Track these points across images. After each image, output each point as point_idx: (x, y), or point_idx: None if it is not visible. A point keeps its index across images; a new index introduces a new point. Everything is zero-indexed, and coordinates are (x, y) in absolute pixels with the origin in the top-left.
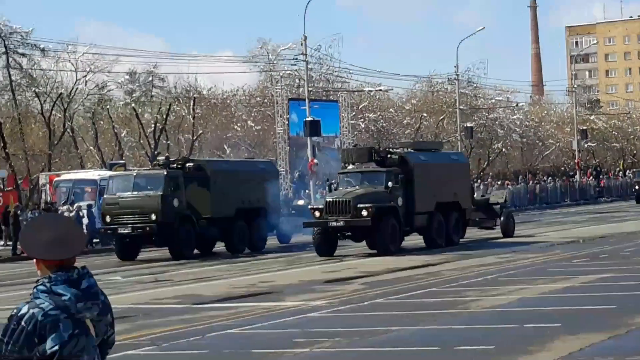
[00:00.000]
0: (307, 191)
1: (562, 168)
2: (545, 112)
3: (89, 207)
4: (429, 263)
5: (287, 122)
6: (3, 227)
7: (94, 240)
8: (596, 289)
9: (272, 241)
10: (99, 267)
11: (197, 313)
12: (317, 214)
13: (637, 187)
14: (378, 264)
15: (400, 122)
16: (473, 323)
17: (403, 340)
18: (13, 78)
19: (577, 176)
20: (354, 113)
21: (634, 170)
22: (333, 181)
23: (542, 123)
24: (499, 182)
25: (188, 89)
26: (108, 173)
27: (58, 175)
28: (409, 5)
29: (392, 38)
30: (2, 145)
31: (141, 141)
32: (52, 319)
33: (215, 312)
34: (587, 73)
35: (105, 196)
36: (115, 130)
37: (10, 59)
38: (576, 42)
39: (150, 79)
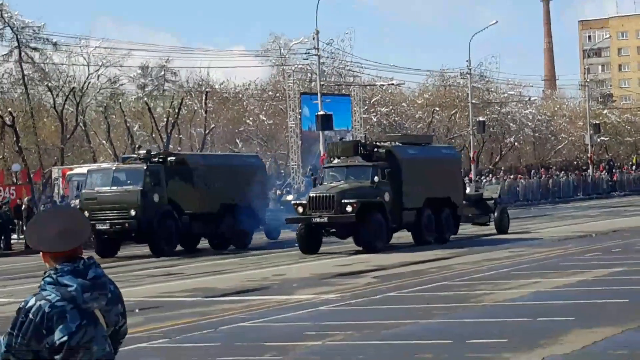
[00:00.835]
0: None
1: (575, 162)
2: (558, 106)
3: None
4: (441, 257)
5: (299, 117)
6: (16, 221)
7: None
8: (609, 282)
9: (260, 237)
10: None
11: (209, 306)
12: (300, 209)
13: None
14: (390, 258)
15: (412, 117)
16: (486, 317)
17: (415, 333)
18: (25, 72)
19: (589, 170)
20: (366, 107)
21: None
22: (317, 175)
23: (555, 117)
24: (511, 177)
25: (200, 83)
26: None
27: (71, 169)
28: None
29: (404, 32)
30: (15, 139)
31: (153, 135)
32: (58, 310)
33: (227, 305)
34: (599, 67)
35: (83, 191)
36: (128, 124)
37: (23, 53)
38: (589, 37)
39: (163, 73)
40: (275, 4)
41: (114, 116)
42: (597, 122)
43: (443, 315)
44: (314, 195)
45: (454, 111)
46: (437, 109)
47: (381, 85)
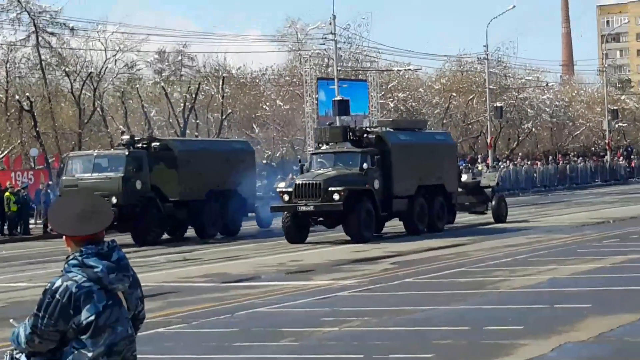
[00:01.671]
0: None
1: (593, 148)
2: (576, 92)
3: None
4: (458, 243)
5: (315, 102)
6: (34, 206)
7: None
8: (626, 269)
9: (252, 225)
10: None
11: (226, 292)
12: (285, 197)
13: None
14: (407, 243)
15: (429, 102)
16: (502, 303)
17: (432, 319)
18: (43, 57)
19: (607, 156)
20: (382, 93)
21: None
22: (304, 162)
23: (573, 103)
24: (529, 162)
25: (217, 68)
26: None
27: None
28: None
29: (422, 17)
30: (33, 124)
31: (170, 120)
32: (86, 290)
33: (244, 291)
34: (618, 53)
35: (63, 177)
36: (145, 110)
37: (40, 38)
38: (607, 22)
39: (180, 58)
40: None
41: (131, 101)
42: (615, 107)
43: (460, 301)
44: (300, 182)
45: (471, 96)
46: (454, 94)
47: (398, 70)
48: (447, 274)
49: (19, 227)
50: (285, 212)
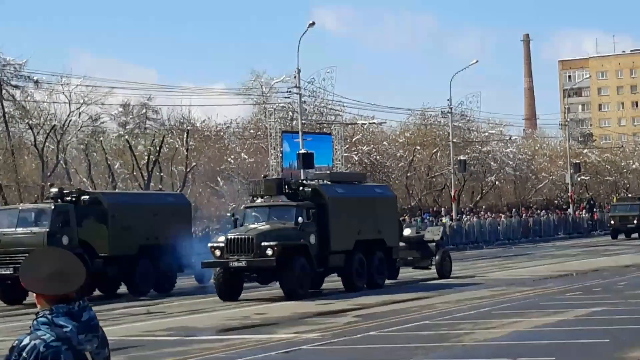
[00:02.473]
0: None
1: (556, 201)
2: (539, 145)
3: None
4: (423, 296)
5: (280, 155)
6: None
7: None
8: (590, 322)
9: (189, 282)
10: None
11: (189, 345)
12: (217, 253)
13: (612, 222)
14: (372, 297)
15: (393, 155)
16: (467, 356)
17: None
18: (6, 110)
19: (570, 209)
20: (347, 146)
21: (610, 204)
22: (237, 216)
23: (535, 156)
24: (492, 215)
25: (181, 121)
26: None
27: None
28: (403, 37)
29: (386, 70)
30: None
31: (134, 173)
32: (53, 350)
33: (207, 345)
34: (580, 107)
35: None
36: (109, 162)
37: (4, 91)
38: (569, 76)
39: (144, 111)
40: (256, 43)
41: (95, 154)
42: (578, 161)
43: (423, 355)
44: (232, 237)
45: (435, 150)
46: (418, 147)
47: (362, 123)
48: (411, 327)
49: None
50: (217, 268)
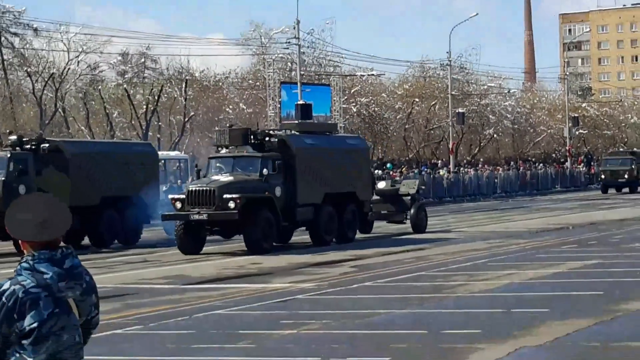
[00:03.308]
0: None
1: (553, 155)
2: (537, 99)
3: None
4: (419, 247)
5: (279, 105)
6: None
7: None
8: (584, 275)
9: (155, 233)
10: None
11: (184, 294)
12: (178, 205)
13: (602, 177)
14: (369, 248)
15: (392, 107)
16: (460, 307)
17: (390, 323)
18: (5, 57)
19: (568, 163)
20: (345, 97)
21: (600, 158)
22: (200, 167)
23: (534, 110)
24: (490, 168)
25: (180, 70)
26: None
27: None
28: None
29: (386, 22)
30: None
31: (132, 122)
32: (32, 297)
33: (203, 293)
34: (579, 61)
35: None
36: (107, 111)
37: (2, 38)
38: (569, 30)
39: (143, 60)
40: None
41: (93, 102)
42: (576, 115)
43: (418, 305)
44: (193, 189)
45: (433, 102)
46: (417, 99)
47: (361, 75)
48: (406, 278)
49: None
50: (178, 221)
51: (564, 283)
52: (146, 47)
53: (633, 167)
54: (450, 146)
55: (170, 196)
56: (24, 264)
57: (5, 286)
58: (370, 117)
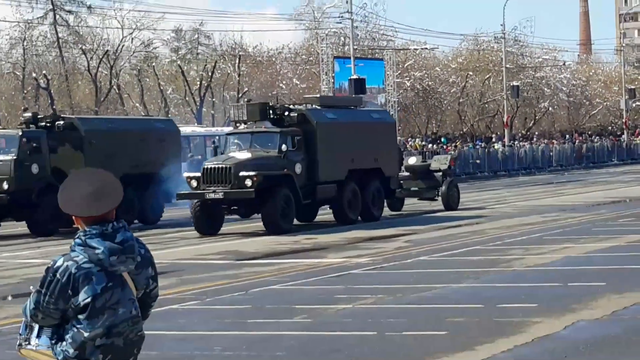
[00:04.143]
0: None
1: (610, 128)
2: (593, 71)
3: None
4: (473, 222)
5: (332, 80)
6: None
7: None
8: None
9: (182, 212)
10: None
11: (240, 269)
12: (193, 183)
13: None
14: (423, 221)
15: (446, 81)
16: (517, 281)
17: (446, 297)
18: (60, 35)
19: (624, 136)
20: (399, 71)
21: None
22: (217, 143)
23: (590, 82)
24: (545, 141)
25: (233, 46)
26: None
27: None
28: None
29: None
30: (49, 102)
31: (187, 98)
32: (85, 272)
33: (258, 268)
34: (636, 32)
35: None
36: (161, 88)
37: (57, 16)
38: (625, 1)
39: (196, 36)
40: None
41: (147, 79)
42: (633, 87)
43: (474, 279)
44: (209, 166)
45: (487, 75)
46: (471, 73)
47: (415, 49)
48: (462, 252)
49: None
50: (194, 201)
51: (621, 257)
52: (199, 23)
53: None
54: (505, 120)
55: (185, 174)
56: (77, 240)
57: (59, 263)
58: (424, 91)
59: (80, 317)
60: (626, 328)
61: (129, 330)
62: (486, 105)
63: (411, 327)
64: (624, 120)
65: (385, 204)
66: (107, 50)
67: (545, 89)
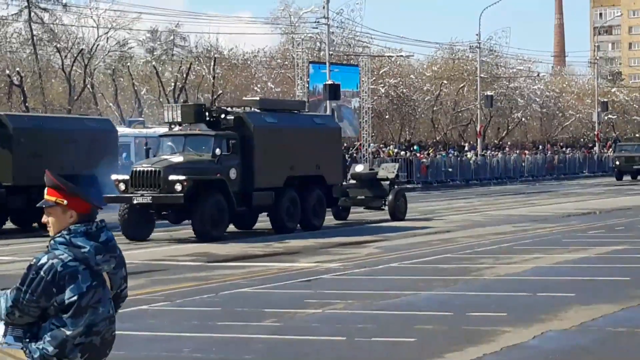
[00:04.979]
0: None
1: (582, 140)
2: (567, 83)
3: None
4: (445, 229)
5: (307, 85)
6: None
7: None
8: (611, 260)
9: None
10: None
11: (211, 271)
12: (121, 186)
13: (617, 163)
14: (393, 228)
15: (420, 89)
16: (486, 290)
17: (416, 304)
18: (34, 32)
19: (596, 148)
20: (374, 78)
21: (615, 143)
22: (149, 146)
23: (563, 94)
24: (517, 152)
25: (209, 48)
26: (127, 130)
27: None
28: None
29: (415, 3)
30: (22, 99)
31: (161, 99)
32: (71, 270)
33: (229, 271)
34: (610, 45)
35: None
36: (135, 88)
37: (32, 13)
38: (600, 14)
39: (172, 37)
40: None
41: (122, 79)
42: (605, 100)
43: (444, 287)
44: (137, 169)
45: (462, 84)
46: (446, 81)
47: (390, 56)
48: (432, 260)
49: None
50: (122, 204)
51: (590, 268)
52: (175, 24)
53: None
54: (478, 129)
55: (113, 176)
56: (59, 239)
57: (43, 260)
58: (398, 99)
59: (64, 315)
60: (594, 339)
61: (106, 329)
62: (460, 114)
63: (380, 333)
64: (595, 133)
65: (331, 212)
66: (82, 49)
67: (519, 100)
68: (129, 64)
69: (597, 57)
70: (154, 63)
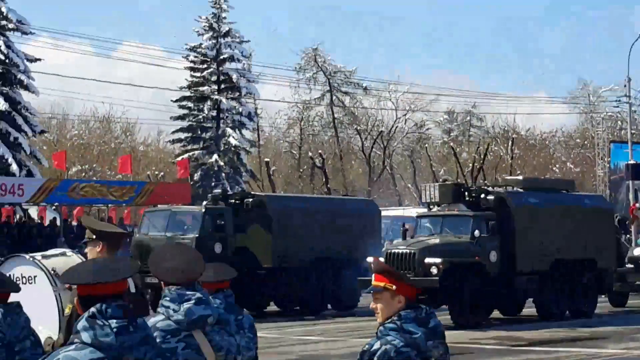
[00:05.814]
0: (627, 236)
1: None
2: None
3: None
4: None
5: (607, 165)
6: None
7: None
8: None
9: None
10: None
11: (517, 355)
12: None
13: None
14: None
15: None
16: None
17: None
18: (336, 115)
19: None
20: None
21: None
22: (407, 227)
23: None
24: None
25: (506, 128)
26: (422, 210)
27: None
28: None
29: None
30: (324, 180)
31: (459, 180)
32: (404, 357)
33: (535, 355)
34: None
35: (136, 235)
36: (433, 169)
37: (334, 97)
38: None
39: (468, 118)
40: (582, 50)
41: (419, 160)
42: None
43: None
44: (391, 251)
45: None
46: None
47: None
48: None
49: None
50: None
51: None
52: (472, 105)
53: None
54: None
55: (368, 259)
56: (390, 325)
57: (376, 346)
58: None
59: None
60: None
61: None
62: None
63: None
64: None
65: (605, 297)
66: (381, 131)
67: None
68: (426, 145)
69: None
70: (451, 144)
